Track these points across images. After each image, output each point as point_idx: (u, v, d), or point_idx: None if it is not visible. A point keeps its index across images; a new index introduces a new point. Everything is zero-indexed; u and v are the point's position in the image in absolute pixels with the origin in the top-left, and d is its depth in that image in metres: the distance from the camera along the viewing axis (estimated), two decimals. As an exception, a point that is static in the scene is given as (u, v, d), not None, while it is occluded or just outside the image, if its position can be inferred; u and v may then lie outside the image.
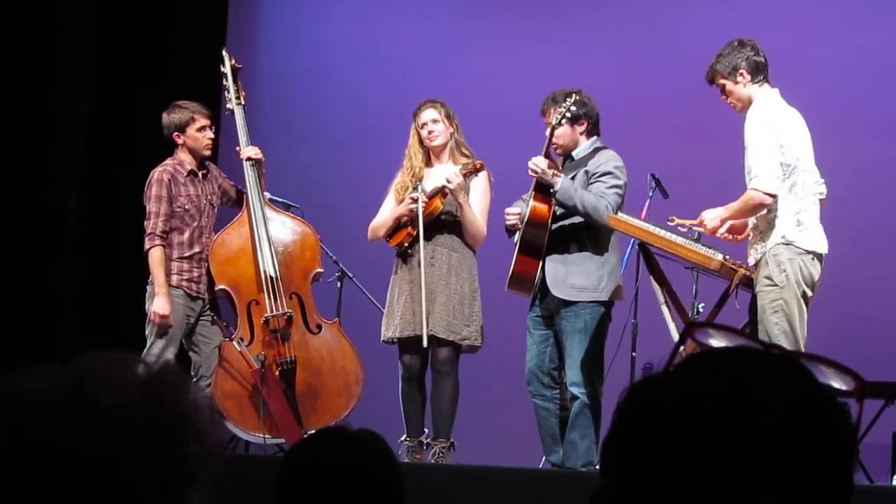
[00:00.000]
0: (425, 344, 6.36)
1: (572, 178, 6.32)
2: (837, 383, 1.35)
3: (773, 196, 5.79)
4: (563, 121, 6.30)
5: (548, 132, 6.36)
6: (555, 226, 6.32)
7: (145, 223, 6.71)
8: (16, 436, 1.22)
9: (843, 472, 1.22)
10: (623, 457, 1.23)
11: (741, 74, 5.94)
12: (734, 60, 5.93)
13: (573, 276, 6.27)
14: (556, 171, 6.29)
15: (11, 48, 8.38)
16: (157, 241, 6.65)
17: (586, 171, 6.34)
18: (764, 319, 5.79)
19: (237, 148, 6.97)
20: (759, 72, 5.94)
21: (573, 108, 6.30)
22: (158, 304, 6.60)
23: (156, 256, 6.66)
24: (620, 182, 6.31)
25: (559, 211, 6.31)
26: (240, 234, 6.84)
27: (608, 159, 6.35)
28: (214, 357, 6.73)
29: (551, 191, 6.26)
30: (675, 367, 1.26)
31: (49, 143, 8.52)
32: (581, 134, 6.43)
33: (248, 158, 6.87)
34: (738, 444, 1.18)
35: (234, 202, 7.01)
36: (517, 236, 6.42)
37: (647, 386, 1.25)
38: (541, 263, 6.31)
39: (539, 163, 6.26)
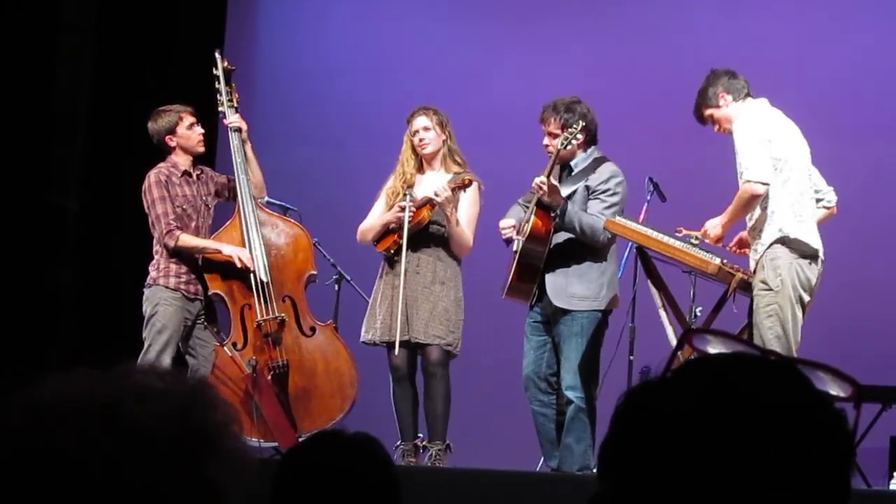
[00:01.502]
0: (396, 352, 6.36)
1: (573, 192, 6.31)
2: (835, 390, 1.35)
3: (766, 184, 5.84)
4: (570, 145, 6.28)
5: (553, 147, 6.30)
6: (555, 238, 6.31)
7: (157, 225, 6.63)
8: (41, 446, 1.18)
9: (840, 477, 1.22)
10: (621, 461, 1.24)
11: (721, 97, 6.11)
12: (713, 88, 6.13)
13: (574, 286, 6.27)
14: (559, 195, 6.27)
15: (11, 48, 8.38)
16: (177, 231, 6.61)
17: (587, 186, 6.33)
18: (758, 323, 5.83)
19: (224, 120, 6.94)
20: (740, 91, 6.11)
21: (579, 136, 6.28)
22: (234, 251, 6.62)
23: (187, 238, 6.63)
24: (618, 199, 6.32)
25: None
26: (231, 238, 6.79)
27: (610, 175, 6.34)
28: (211, 360, 6.71)
29: (552, 214, 6.25)
30: (672, 373, 1.26)
31: (49, 143, 8.53)
32: (578, 146, 6.41)
33: (234, 126, 6.84)
34: (735, 449, 1.19)
35: (235, 194, 6.90)
36: (516, 245, 6.39)
37: (645, 391, 1.26)
38: (539, 276, 6.31)
39: (544, 185, 6.23)
